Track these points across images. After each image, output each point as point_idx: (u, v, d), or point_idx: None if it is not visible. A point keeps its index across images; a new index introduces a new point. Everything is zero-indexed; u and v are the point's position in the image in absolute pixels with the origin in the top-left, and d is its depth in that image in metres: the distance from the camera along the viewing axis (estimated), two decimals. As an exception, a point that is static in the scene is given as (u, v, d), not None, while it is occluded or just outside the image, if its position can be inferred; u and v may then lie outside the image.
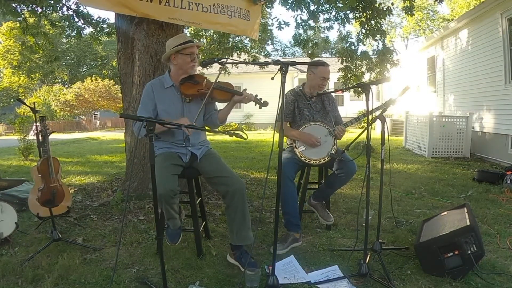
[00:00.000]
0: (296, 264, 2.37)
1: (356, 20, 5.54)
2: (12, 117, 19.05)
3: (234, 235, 2.39)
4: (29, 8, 5.46)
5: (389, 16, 5.36)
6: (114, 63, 25.24)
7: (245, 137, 2.08)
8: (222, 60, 2.19)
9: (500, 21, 6.45)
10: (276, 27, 6.01)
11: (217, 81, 2.45)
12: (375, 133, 10.24)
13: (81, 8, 6.00)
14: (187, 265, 2.38)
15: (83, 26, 6.28)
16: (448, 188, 4.58)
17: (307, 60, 3.12)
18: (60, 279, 2.19)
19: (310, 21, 5.63)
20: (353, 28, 10.60)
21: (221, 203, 3.73)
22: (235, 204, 2.34)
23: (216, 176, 2.42)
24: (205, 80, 2.48)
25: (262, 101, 2.46)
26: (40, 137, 2.82)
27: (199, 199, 2.75)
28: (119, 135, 14.42)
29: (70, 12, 5.95)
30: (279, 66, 1.91)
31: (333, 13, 5.65)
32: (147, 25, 3.72)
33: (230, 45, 7.93)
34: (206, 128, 2.63)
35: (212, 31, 7.70)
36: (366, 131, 2.22)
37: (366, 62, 6.02)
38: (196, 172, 2.54)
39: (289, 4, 4.92)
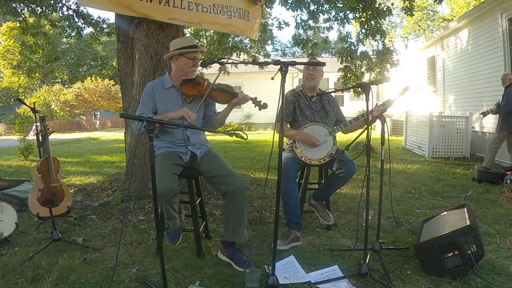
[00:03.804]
0: (296, 264, 2.37)
1: (356, 20, 5.54)
2: (12, 117, 19.03)
3: (229, 232, 2.40)
4: (29, 8, 5.46)
5: (389, 16, 5.36)
6: (114, 63, 25.26)
7: (245, 137, 2.08)
8: (222, 60, 2.19)
9: (500, 21, 6.45)
10: (276, 27, 6.01)
11: (217, 82, 2.46)
12: (375, 133, 10.24)
13: (81, 8, 6.00)
14: (187, 265, 2.38)
15: (83, 26, 6.29)
16: (448, 188, 4.58)
17: (307, 60, 3.11)
18: (60, 279, 2.19)
19: (310, 21, 5.63)
20: (353, 28, 10.63)
21: (221, 203, 3.73)
22: (234, 202, 2.35)
23: (217, 175, 2.43)
24: (206, 82, 2.50)
25: (261, 103, 2.46)
26: (40, 137, 2.82)
27: (199, 199, 2.75)
28: (119, 135, 14.41)
29: (70, 12, 5.95)
30: (279, 66, 1.90)
31: (333, 13, 5.65)
32: (147, 25, 3.72)
33: (230, 45, 7.93)
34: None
35: (212, 31, 7.71)
36: (366, 131, 2.22)
37: (366, 62, 6.02)
38: (196, 172, 2.54)
39: (289, 4, 4.92)
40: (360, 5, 5.15)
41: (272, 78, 2.08)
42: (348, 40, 5.96)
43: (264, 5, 5.09)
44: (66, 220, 3.29)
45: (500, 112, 5.46)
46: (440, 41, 9.47)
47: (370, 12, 5.26)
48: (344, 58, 5.89)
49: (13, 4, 5.07)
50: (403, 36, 29.33)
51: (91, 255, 2.55)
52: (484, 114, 5.83)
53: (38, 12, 5.60)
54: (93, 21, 6.32)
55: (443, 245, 2.20)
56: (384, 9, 5.25)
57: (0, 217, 2.70)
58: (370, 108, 2.22)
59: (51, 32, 8.28)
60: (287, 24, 5.97)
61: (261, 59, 10.02)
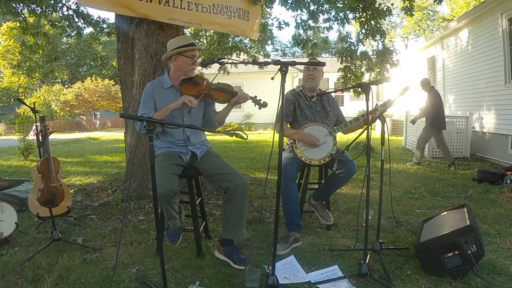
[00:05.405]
0: (296, 264, 2.37)
1: (356, 20, 5.53)
2: (12, 117, 19.06)
3: (228, 229, 2.41)
4: (29, 8, 5.46)
5: (389, 16, 5.35)
6: (114, 63, 25.26)
7: (245, 137, 2.09)
8: (222, 60, 2.19)
9: (500, 21, 6.45)
10: (276, 27, 6.00)
11: (216, 81, 2.46)
12: (375, 133, 10.24)
13: (81, 8, 6.01)
14: (187, 265, 2.38)
15: (83, 26, 6.29)
16: (448, 188, 4.58)
17: (307, 60, 3.11)
18: (60, 279, 2.19)
19: (310, 21, 5.62)
20: (353, 28, 10.63)
21: (221, 203, 3.73)
22: (235, 199, 2.36)
23: (218, 173, 2.43)
24: (205, 81, 2.50)
25: (261, 102, 2.46)
26: (40, 137, 2.82)
27: (199, 199, 2.75)
28: (119, 135, 14.42)
29: (70, 12, 5.95)
30: (279, 66, 1.90)
31: (333, 13, 5.64)
32: (147, 25, 3.72)
33: (230, 45, 7.93)
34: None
35: (212, 31, 7.70)
36: (366, 131, 2.22)
37: (366, 62, 6.01)
38: (196, 172, 2.54)
39: (289, 4, 4.91)
40: (360, 5, 5.14)
41: (272, 78, 2.08)
42: (348, 40, 5.96)
43: (264, 5, 5.08)
44: (66, 220, 3.29)
45: (427, 113, 6.17)
46: (440, 41, 9.47)
47: (370, 12, 5.25)
48: (344, 58, 5.88)
49: (13, 4, 5.07)
50: (403, 36, 29.35)
51: (91, 255, 2.56)
52: (413, 122, 6.60)
53: (38, 12, 5.60)
54: (93, 21, 6.33)
55: (443, 245, 2.20)
56: (384, 9, 5.24)
57: (0, 217, 2.70)
58: (370, 108, 2.22)
59: (51, 32, 8.28)
60: (287, 24, 5.97)
61: (261, 59, 10.01)
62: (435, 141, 6.36)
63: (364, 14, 5.28)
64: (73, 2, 5.97)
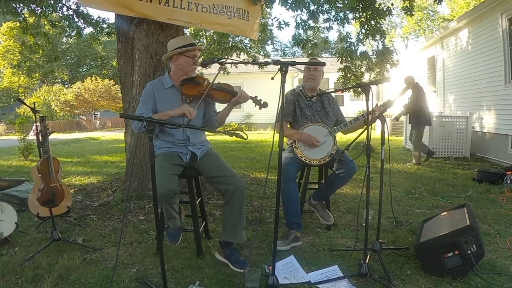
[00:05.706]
0: (296, 264, 2.37)
1: (356, 20, 5.53)
2: (12, 117, 19.07)
3: (227, 232, 2.41)
4: (29, 8, 5.46)
5: (389, 16, 5.35)
6: (114, 63, 25.28)
7: (245, 137, 2.09)
8: (222, 60, 2.19)
9: (500, 21, 6.45)
10: (276, 27, 6.00)
11: (217, 81, 2.46)
12: (375, 133, 10.24)
13: (81, 8, 6.01)
14: (187, 265, 2.38)
15: (83, 26, 6.29)
16: (448, 188, 4.58)
17: (307, 60, 3.11)
18: (60, 279, 2.19)
19: (310, 21, 5.62)
20: (353, 28, 10.63)
21: (221, 203, 3.73)
22: (233, 202, 2.36)
23: (217, 175, 2.43)
24: (205, 81, 2.50)
25: (261, 102, 2.47)
26: (40, 137, 2.82)
27: (199, 199, 2.75)
28: (119, 135, 14.42)
29: (70, 12, 5.95)
30: (279, 66, 1.90)
31: (333, 13, 5.64)
32: (147, 25, 3.72)
33: (230, 45, 7.93)
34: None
35: (212, 31, 7.71)
36: (366, 131, 2.22)
37: (366, 62, 6.01)
38: (196, 172, 2.54)
39: (289, 4, 4.91)
40: (360, 5, 5.14)
41: (272, 78, 2.08)
42: (348, 40, 5.96)
43: (264, 5, 5.08)
44: (66, 220, 3.29)
45: (411, 111, 6.26)
46: (440, 41, 9.47)
47: (370, 12, 5.25)
48: (344, 58, 5.88)
49: (13, 4, 5.07)
50: (403, 36, 29.36)
51: (91, 255, 2.56)
52: (397, 118, 6.84)
53: (38, 12, 5.60)
54: (93, 21, 6.33)
55: (443, 245, 2.20)
56: (384, 9, 5.25)
57: (0, 217, 2.70)
58: (370, 108, 2.22)
59: (51, 32, 8.28)
60: (287, 24, 5.96)
61: (261, 59, 10.01)
62: (411, 135, 6.47)
63: (364, 14, 5.28)
64: (73, 2, 5.98)
